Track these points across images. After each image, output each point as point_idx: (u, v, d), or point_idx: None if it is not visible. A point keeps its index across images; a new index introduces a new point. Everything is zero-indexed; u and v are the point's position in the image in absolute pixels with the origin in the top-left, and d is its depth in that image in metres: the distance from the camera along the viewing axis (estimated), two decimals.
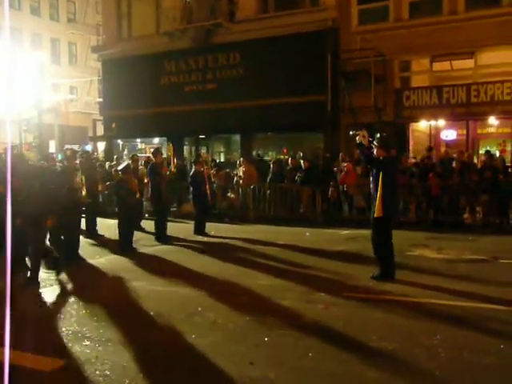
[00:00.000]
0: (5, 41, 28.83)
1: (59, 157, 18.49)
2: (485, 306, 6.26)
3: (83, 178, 10.47)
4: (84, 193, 10.32)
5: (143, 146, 26.12)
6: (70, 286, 7.70)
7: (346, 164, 14.82)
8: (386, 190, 7.63)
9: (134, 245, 11.00)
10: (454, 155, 14.78)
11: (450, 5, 17.05)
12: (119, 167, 12.12)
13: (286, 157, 19.24)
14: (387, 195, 7.64)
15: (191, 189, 13.46)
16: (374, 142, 7.91)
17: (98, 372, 4.46)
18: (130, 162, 13.34)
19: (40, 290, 7.46)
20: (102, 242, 11.92)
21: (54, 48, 39.50)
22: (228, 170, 17.55)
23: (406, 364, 4.59)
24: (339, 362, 4.63)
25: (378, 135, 8.03)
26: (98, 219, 12.99)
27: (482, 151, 18.23)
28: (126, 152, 22.92)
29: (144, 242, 11.70)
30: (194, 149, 22.44)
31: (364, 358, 4.73)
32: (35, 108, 24.69)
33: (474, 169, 14.31)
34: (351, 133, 7.77)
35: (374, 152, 7.90)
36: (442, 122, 18.16)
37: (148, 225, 13.20)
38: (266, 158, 20.37)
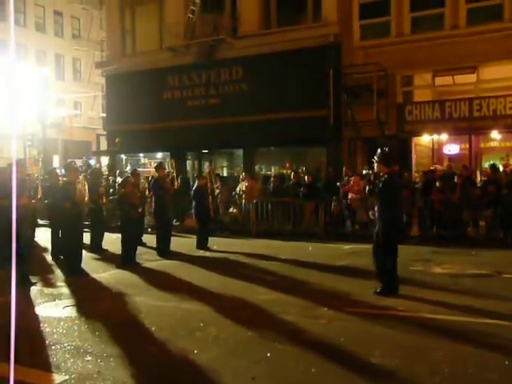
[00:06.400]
0: (10, 57, 29.05)
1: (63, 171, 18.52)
2: (488, 322, 6.22)
3: (86, 188, 10.37)
4: (86, 199, 10.24)
5: (146, 161, 26.19)
6: (72, 301, 7.69)
7: (353, 178, 14.80)
8: (390, 212, 7.61)
9: (137, 259, 11.01)
10: (457, 171, 14.77)
11: (452, 19, 17.16)
12: (118, 181, 12.13)
13: (289, 171, 19.27)
14: (391, 218, 7.62)
15: (194, 203, 13.46)
16: (375, 157, 7.89)
17: None
18: (129, 175, 13.28)
19: (43, 305, 7.47)
20: (105, 256, 11.92)
21: (58, 64, 39.80)
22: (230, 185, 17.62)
23: (409, 380, 4.56)
24: (342, 378, 4.61)
25: (379, 150, 7.98)
26: None
27: (485, 165, 18.26)
28: (129, 167, 22.96)
29: (147, 256, 11.69)
30: (196, 163, 22.49)
31: (367, 373, 4.70)
32: (39, 123, 24.82)
33: (476, 183, 14.30)
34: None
35: (375, 167, 7.89)
36: (444, 137, 18.20)
37: (149, 239, 13.19)
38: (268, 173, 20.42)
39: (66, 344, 5.63)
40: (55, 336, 5.96)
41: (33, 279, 8.94)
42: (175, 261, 11.26)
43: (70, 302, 7.66)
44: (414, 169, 17.79)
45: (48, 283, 9.07)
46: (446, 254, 11.51)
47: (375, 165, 7.87)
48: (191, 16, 20.32)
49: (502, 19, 16.60)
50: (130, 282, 8.97)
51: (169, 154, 21.83)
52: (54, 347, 5.55)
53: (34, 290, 8.40)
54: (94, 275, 9.62)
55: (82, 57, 41.30)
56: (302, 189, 15.56)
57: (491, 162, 16.78)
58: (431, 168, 16.22)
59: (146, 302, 7.49)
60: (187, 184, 17.95)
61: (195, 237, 13.24)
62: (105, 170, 23.69)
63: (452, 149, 18.76)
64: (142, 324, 6.39)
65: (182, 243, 13.51)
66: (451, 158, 18.65)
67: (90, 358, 5.17)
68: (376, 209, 7.86)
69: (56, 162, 34.60)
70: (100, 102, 37.36)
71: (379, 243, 7.74)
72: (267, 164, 21.88)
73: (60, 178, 12.38)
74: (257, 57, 19.16)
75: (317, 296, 7.70)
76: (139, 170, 18.03)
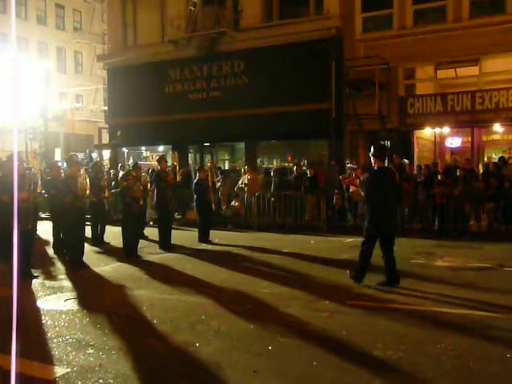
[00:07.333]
0: (11, 50, 29.04)
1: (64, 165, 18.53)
2: (490, 315, 6.22)
3: (87, 181, 10.32)
4: (88, 192, 10.18)
5: (148, 154, 26.17)
6: (74, 294, 7.70)
7: (355, 171, 14.71)
8: (374, 205, 7.65)
9: (139, 252, 11.02)
10: (459, 165, 14.71)
11: (455, 12, 17.06)
12: (120, 175, 12.11)
13: (291, 164, 19.23)
14: (375, 211, 7.64)
15: (195, 196, 13.46)
16: (370, 152, 7.90)
17: (101, 380, 4.45)
18: (131, 168, 13.25)
19: (45, 298, 7.48)
20: (107, 249, 11.93)
21: (60, 57, 39.77)
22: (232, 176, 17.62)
23: (411, 373, 4.55)
24: (344, 371, 4.61)
25: (374, 145, 8.00)
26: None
27: (488, 157, 18.22)
28: (131, 160, 22.96)
29: (149, 249, 11.70)
30: (198, 157, 22.48)
31: (369, 366, 4.70)
32: (41, 116, 24.82)
33: (478, 176, 14.25)
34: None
35: (372, 162, 7.90)
36: (446, 130, 18.14)
37: (151, 233, 13.21)
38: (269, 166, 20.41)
39: (67, 337, 5.65)
40: (57, 329, 5.97)
41: (34, 272, 8.97)
42: (177, 254, 11.26)
43: (71, 295, 7.67)
44: (415, 162, 17.74)
45: (50, 276, 9.08)
46: (448, 248, 11.51)
47: (372, 159, 7.88)
48: (193, 9, 20.24)
49: (505, 12, 16.50)
50: (131, 275, 8.98)
51: (170, 147, 21.81)
52: (55, 340, 5.57)
53: (36, 283, 8.42)
54: (96, 268, 9.63)
55: (83, 50, 41.26)
56: (303, 182, 15.53)
57: (494, 155, 16.75)
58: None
59: (148, 295, 7.50)
60: (189, 177, 17.94)
61: (197, 230, 13.24)
62: (106, 163, 23.72)
63: (454, 142, 18.73)
64: (143, 317, 6.40)
65: (184, 236, 13.52)
66: (453, 152, 18.62)
67: (91, 351, 5.18)
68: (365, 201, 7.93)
69: (58, 155, 34.68)
70: (102, 95, 37.32)
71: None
72: (269, 157, 21.86)
73: (61, 171, 12.36)
74: (258, 50, 19.09)
75: (319, 289, 7.70)
76: (141, 163, 18.03)
